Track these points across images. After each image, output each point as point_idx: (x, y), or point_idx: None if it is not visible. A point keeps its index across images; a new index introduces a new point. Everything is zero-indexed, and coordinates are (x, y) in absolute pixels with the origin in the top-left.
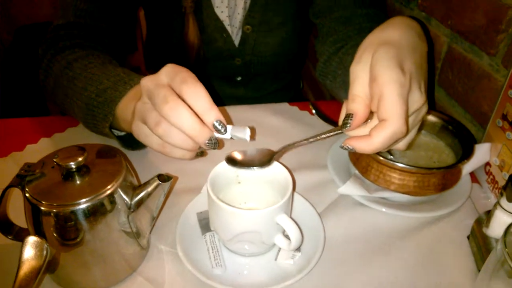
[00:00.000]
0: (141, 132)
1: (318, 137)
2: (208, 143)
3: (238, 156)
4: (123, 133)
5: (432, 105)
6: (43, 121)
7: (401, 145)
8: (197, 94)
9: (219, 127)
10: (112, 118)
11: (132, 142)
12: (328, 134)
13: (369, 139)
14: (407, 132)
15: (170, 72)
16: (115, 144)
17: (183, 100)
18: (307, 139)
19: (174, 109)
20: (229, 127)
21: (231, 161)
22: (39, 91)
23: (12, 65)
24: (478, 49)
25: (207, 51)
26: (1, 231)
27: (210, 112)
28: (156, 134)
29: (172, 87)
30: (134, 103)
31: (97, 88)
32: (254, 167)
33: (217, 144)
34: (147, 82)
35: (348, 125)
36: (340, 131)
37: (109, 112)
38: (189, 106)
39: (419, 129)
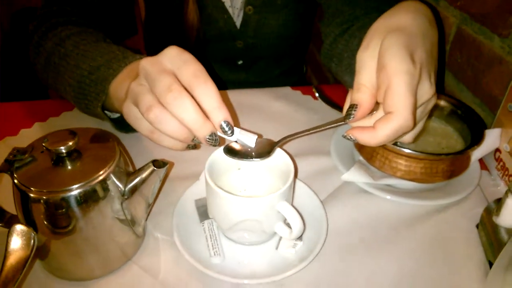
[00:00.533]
0: (131, 114)
1: (320, 128)
2: (208, 139)
3: (237, 146)
4: (116, 115)
5: (441, 90)
6: (38, 105)
7: (408, 137)
8: (207, 90)
9: (226, 129)
10: (104, 98)
11: (126, 125)
12: (330, 125)
13: (373, 131)
14: (414, 125)
15: (174, 59)
16: (108, 127)
17: (190, 94)
18: (308, 130)
19: (178, 98)
20: (236, 130)
21: (230, 151)
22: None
23: (11, 50)
24: (488, 30)
25: (207, 32)
26: None
27: (220, 111)
28: (146, 118)
29: (177, 75)
30: (128, 82)
31: (90, 66)
32: (254, 159)
33: (218, 141)
34: (147, 64)
35: (351, 116)
36: (343, 122)
37: (102, 91)
38: (196, 102)
39: (428, 116)
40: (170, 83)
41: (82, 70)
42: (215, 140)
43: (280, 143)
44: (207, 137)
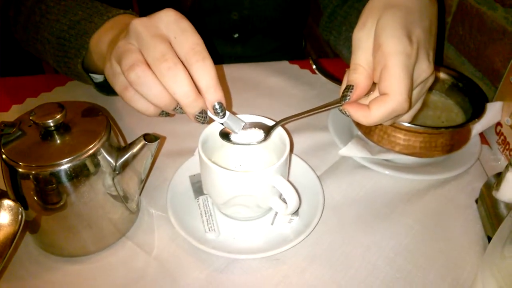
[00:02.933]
0: (111, 70)
1: (316, 110)
2: (198, 116)
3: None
4: (98, 80)
5: (440, 63)
6: (29, 80)
7: (406, 118)
8: (205, 68)
9: (219, 110)
10: (85, 53)
11: (107, 87)
12: (326, 108)
13: (367, 111)
14: (410, 107)
15: (171, 25)
16: (97, 98)
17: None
18: (304, 113)
19: (173, 70)
20: (227, 113)
21: (226, 136)
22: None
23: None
24: (492, 0)
25: (202, 3)
26: None
27: (215, 91)
28: (127, 77)
29: (172, 44)
30: (111, 35)
31: (70, 20)
32: (250, 143)
33: (207, 119)
34: (140, 25)
35: (347, 97)
36: (339, 104)
37: (82, 46)
38: (191, 76)
39: (429, 89)
40: (165, 52)
41: (62, 25)
42: (204, 118)
43: (276, 127)
44: (196, 114)
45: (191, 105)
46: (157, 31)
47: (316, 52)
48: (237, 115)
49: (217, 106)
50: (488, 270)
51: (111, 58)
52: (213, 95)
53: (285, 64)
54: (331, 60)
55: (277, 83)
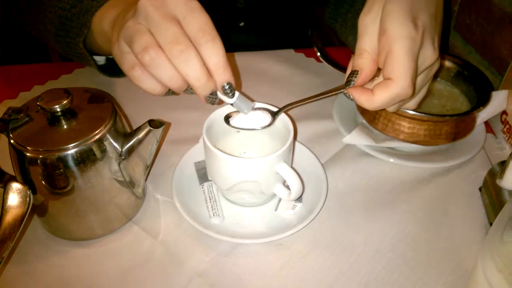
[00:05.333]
0: (118, 51)
1: (321, 96)
2: (209, 97)
3: (237, 115)
4: (99, 59)
5: (445, 51)
6: (37, 68)
7: (411, 104)
8: (214, 48)
9: (228, 91)
10: (87, 32)
11: (109, 68)
12: (331, 93)
13: (370, 95)
14: (414, 93)
15: (180, 4)
16: (98, 79)
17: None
18: (308, 98)
19: (185, 53)
20: (236, 93)
21: (230, 120)
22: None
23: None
24: None
25: None
26: None
27: (224, 72)
28: (140, 60)
29: (181, 24)
30: (114, 12)
31: None
32: (255, 128)
33: (217, 100)
34: (150, 5)
35: (352, 82)
36: (343, 89)
37: (84, 24)
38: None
39: (433, 78)
40: (177, 34)
41: (64, 4)
42: (214, 99)
43: (281, 112)
44: (207, 95)
45: (203, 87)
46: (166, 11)
47: (322, 41)
48: (245, 96)
49: (226, 87)
50: (488, 255)
51: (119, 38)
52: (222, 75)
53: (290, 52)
54: (337, 48)
55: (282, 71)
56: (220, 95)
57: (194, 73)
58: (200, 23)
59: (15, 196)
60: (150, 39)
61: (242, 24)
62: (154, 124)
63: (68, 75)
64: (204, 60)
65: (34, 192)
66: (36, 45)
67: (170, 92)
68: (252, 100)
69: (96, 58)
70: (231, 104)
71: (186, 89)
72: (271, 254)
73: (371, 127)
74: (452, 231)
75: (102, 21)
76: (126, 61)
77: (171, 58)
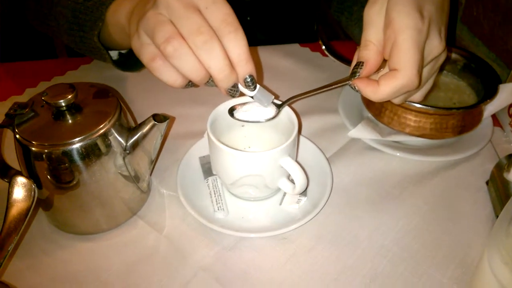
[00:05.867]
0: (138, 42)
1: (326, 88)
2: (230, 90)
3: (241, 107)
4: (112, 54)
5: (452, 43)
6: (43, 64)
7: (418, 96)
8: (237, 39)
9: (250, 83)
10: (101, 25)
11: (123, 62)
12: (336, 85)
13: (376, 86)
14: (419, 84)
15: None
16: (104, 75)
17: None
18: (313, 90)
19: (209, 43)
20: (257, 86)
21: (235, 112)
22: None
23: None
24: None
25: None
26: None
27: (247, 64)
28: (163, 51)
29: (203, 15)
30: (129, 4)
31: None
32: (259, 120)
33: (238, 93)
34: None
35: (357, 74)
36: (348, 81)
37: (99, 18)
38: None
39: (440, 70)
40: (200, 24)
41: None
42: (235, 91)
43: (285, 104)
44: (229, 88)
45: (225, 80)
46: (188, 1)
47: (328, 35)
48: (266, 89)
49: (248, 79)
50: (494, 247)
51: (139, 29)
52: (244, 67)
53: (295, 46)
54: (343, 42)
55: (288, 65)
56: (241, 87)
57: (217, 65)
58: (222, 14)
59: (20, 190)
60: (173, 29)
61: (248, 18)
62: (159, 118)
63: (74, 71)
64: (227, 52)
65: (39, 186)
66: (42, 42)
67: (190, 84)
68: (273, 93)
69: (109, 52)
70: (251, 97)
71: (207, 82)
72: (276, 248)
73: (377, 121)
74: (458, 225)
75: (117, 13)
76: (146, 52)
77: (194, 48)
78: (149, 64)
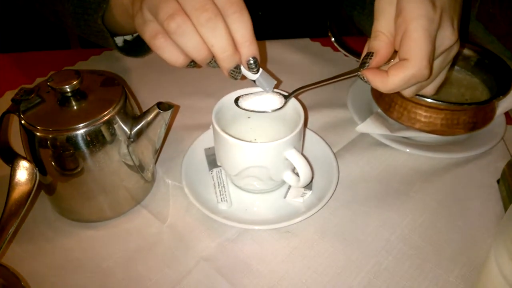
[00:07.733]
0: (141, 20)
1: (334, 79)
2: (232, 71)
3: (248, 97)
4: (118, 41)
5: (465, 39)
6: (53, 54)
7: (429, 89)
8: (242, 20)
9: (254, 65)
10: (105, 6)
11: (126, 48)
12: (344, 76)
13: (385, 77)
14: (430, 75)
15: None
16: (113, 66)
17: None
18: (321, 81)
19: (213, 21)
20: (260, 69)
21: (241, 102)
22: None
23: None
24: None
25: None
26: (3, 159)
27: (251, 45)
28: (166, 27)
29: None
30: None
31: None
32: (266, 110)
33: (240, 75)
34: None
35: (366, 64)
36: (358, 72)
37: (103, 0)
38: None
39: (452, 65)
40: (205, 2)
41: None
42: (237, 73)
43: (293, 95)
44: (231, 69)
45: (228, 60)
46: None
47: (339, 31)
48: (269, 73)
49: (251, 61)
50: (501, 242)
51: (142, 7)
52: (248, 48)
53: (306, 41)
54: (354, 38)
55: (298, 60)
56: (244, 70)
57: (220, 43)
58: None
59: (22, 172)
60: (177, 6)
61: (260, 13)
62: (163, 106)
63: (85, 61)
64: (231, 32)
65: (43, 173)
66: (56, 33)
67: (192, 64)
68: (276, 78)
69: (115, 38)
70: (253, 81)
71: (210, 62)
72: (278, 241)
73: (386, 116)
74: (467, 223)
75: None
76: (148, 29)
77: (197, 25)
78: (151, 41)
